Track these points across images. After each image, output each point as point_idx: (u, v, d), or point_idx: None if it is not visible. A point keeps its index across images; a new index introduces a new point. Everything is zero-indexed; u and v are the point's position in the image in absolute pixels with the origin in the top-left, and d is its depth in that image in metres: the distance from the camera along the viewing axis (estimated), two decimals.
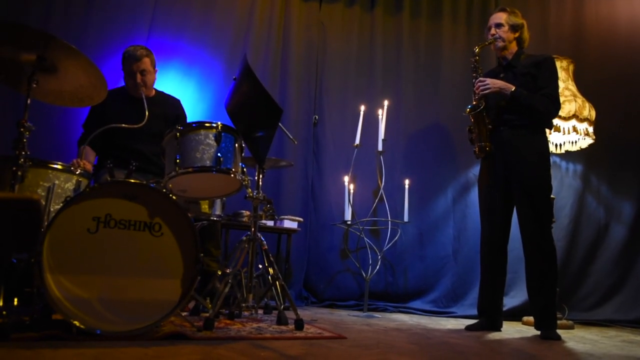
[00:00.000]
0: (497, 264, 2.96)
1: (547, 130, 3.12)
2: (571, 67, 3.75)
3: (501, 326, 2.96)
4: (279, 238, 4.01)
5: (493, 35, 3.02)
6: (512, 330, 2.99)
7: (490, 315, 2.94)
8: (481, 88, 2.91)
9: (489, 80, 2.91)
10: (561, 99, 3.55)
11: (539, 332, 2.75)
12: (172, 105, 3.20)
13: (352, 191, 3.89)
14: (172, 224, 1.98)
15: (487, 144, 2.93)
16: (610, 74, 4.07)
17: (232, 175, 2.29)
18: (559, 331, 2.71)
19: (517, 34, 3.02)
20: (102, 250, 1.85)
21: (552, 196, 3.58)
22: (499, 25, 3.01)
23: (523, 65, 2.94)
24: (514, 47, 3.04)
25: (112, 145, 2.95)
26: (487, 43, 3.05)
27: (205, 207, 2.80)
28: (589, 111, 3.60)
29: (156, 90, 3.19)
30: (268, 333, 2.12)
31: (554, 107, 2.84)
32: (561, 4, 4.37)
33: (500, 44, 3.01)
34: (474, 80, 3.01)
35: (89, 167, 2.75)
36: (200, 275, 2.04)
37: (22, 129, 1.92)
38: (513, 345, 2.41)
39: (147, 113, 2.58)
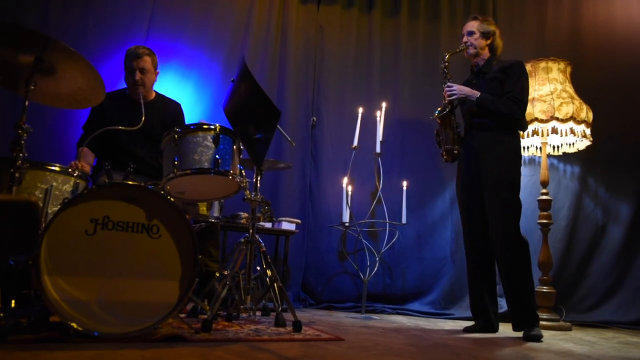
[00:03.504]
0: (482, 265, 2.98)
1: (521, 133, 3.20)
2: (569, 69, 3.76)
3: (497, 327, 2.95)
4: (277, 240, 4.01)
5: (465, 42, 3.12)
6: (509, 332, 2.99)
7: (486, 317, 2.94)
8: (448, 93, 3.01)
9: (455, 86, 3.01)
10: (559, 101, 3.57)
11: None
12: (171, 109, 3.17)
13: (350, 193, 3.89)
14: (170, 225, 1.98)
15: (455, 146, 3.01)
16: (607, 76, 4.09)
17: (230, 177, 2.29)
18: (555, 333, 2.71)
19: (489, 41, 3.10)
20: (100, 252, 1.85)
21: (546, 200, 3.60)
22: (470, 33, 3.11)
23: (492, 71, 3.02)
24: (486, 53, 3.11)
25: (111, 147, 2.94)
26: (457, 50, 3.14)
27: (203, 208, 2.80)
28: (586, 113, 3.61)
29: (156, 93, 3.17)
30: (266, 335, 2.12)
31: (519, 108, 2.89)
32: (558, 6, 4.38)
33: (471, 50, 3.10)
34: (443, 86, 3.09)
35: (87, 169, 2.74)
36: (200, 275, 2.04)
37: (20, 131, 1.92)
38: (511, 346, 2.41)
39: (143, 117, 2.57)
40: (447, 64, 3.14)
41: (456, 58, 3.31)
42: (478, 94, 2.93)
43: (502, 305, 3.70)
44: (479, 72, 3.09)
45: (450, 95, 3.00)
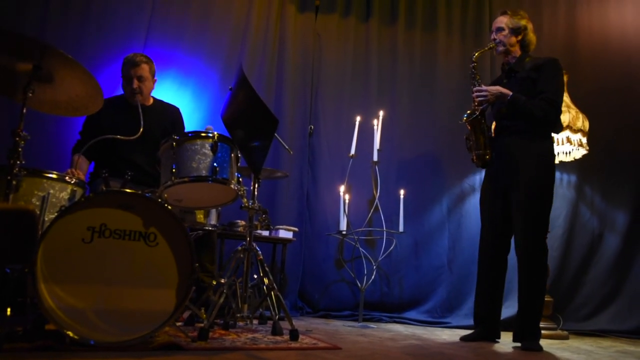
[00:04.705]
0: (495, 272, 2.91)
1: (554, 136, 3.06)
2: (565, 78, 3.77)
3: (499, 336, 2.93)
4: (274, 248, 4.00)
5: (494, 39, 2.97)
6: (507, 341, 2.98)
7: (487, 325, 2.90)
8: (479, 99, 2.86)
9: (486, 89, 2.85)
10: None
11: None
12: (169, 114, 3.18)
13: (347, 201, 3.89)
14: (167, 233, 1.97)
15: (487, 151, 2.87)
16: (603, 85, 4.11)
17: (228, 185, 2.29)
18: (552, 341, 2.70)
19: (519, 37, 2.93)
20: (96, 260, 1.84)
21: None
22: (499, 30, 2.96)
23: (525, 70, 2.87)
24: (517, 51, 2.95)
25: (107, 154, 2.94)
26: (486, 48, 3.01)
27: (200, 216, 2.79)
28: (582, 122, 3.63)
29: (154, 98, 3.17)
30: (263, 343, 2.12)
31: (553, 110, 2.75)
32: (554, 15, 4.42)
33: (500, 48, 2.96)
34: (472, 87, 2.95)
35: (82, 177, 2.73)
36: (197, 284, 2.03)
37: (17, 138, 1.92)
38: (509, 356, 2.41)
39: (142, 127, 2.56)
40: (475, 64, 2.96)
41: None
42: (510, 93, 2.77)
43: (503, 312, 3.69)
44: (510, 71, 2.94)
45: (480, 102, 2.85)
